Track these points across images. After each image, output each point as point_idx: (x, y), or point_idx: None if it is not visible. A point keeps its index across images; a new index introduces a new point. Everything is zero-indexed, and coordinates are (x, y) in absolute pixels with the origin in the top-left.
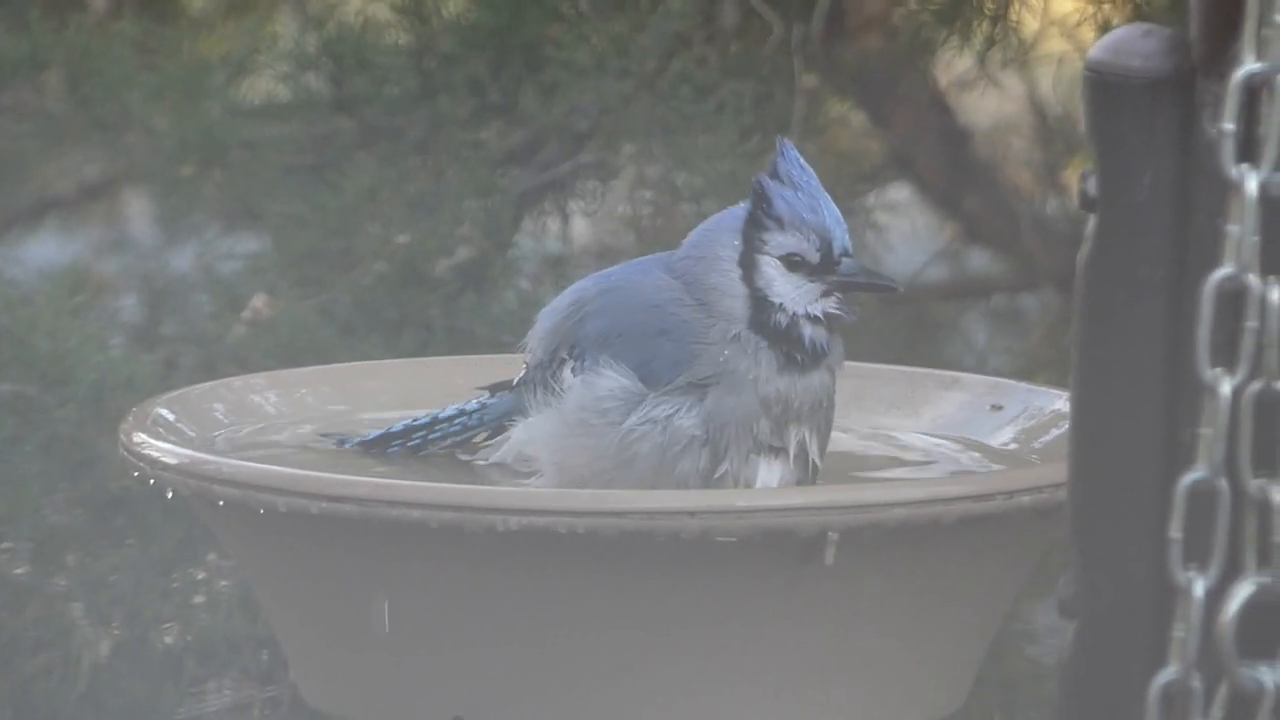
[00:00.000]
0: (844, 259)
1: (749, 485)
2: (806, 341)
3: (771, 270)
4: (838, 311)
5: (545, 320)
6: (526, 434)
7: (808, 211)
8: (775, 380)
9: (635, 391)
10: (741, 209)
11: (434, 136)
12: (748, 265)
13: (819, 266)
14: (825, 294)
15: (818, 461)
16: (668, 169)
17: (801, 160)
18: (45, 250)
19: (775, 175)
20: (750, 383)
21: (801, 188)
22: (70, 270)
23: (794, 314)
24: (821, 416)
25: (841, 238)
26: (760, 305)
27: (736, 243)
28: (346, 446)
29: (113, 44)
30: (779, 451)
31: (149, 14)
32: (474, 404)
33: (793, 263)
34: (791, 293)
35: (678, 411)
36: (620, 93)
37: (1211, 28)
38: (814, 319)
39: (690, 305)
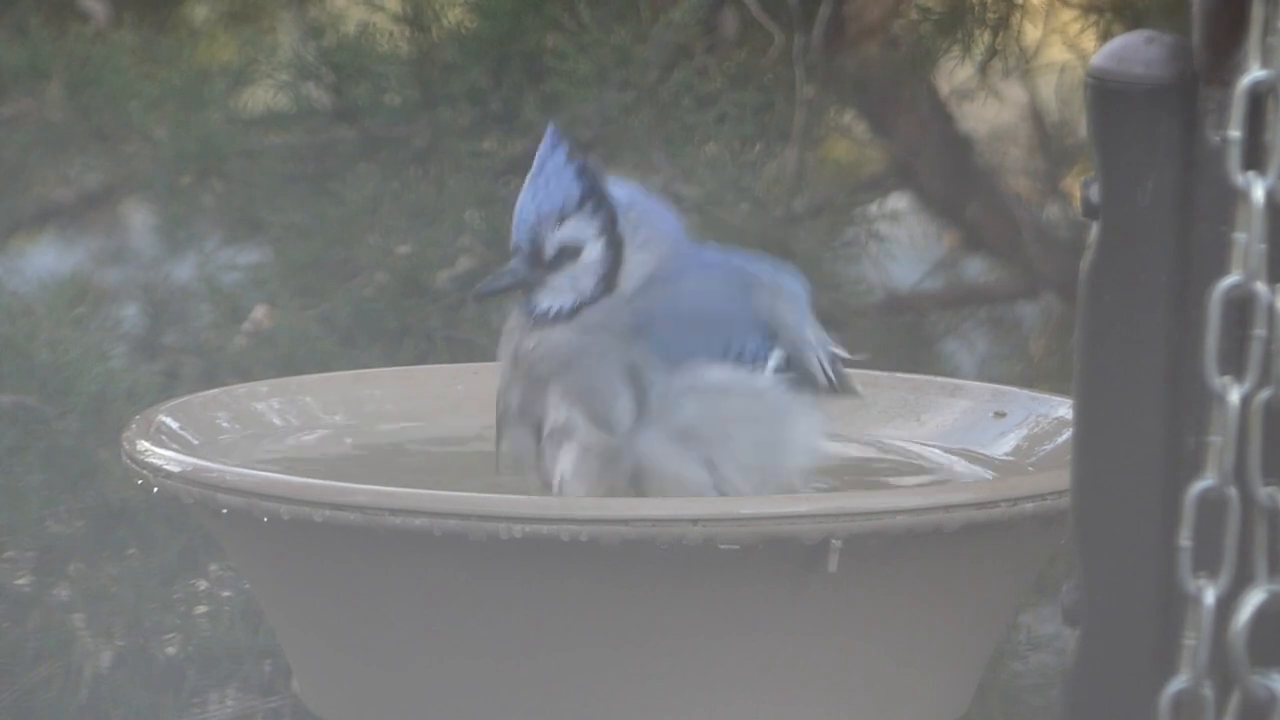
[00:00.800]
0: (515, 253)
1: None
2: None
3: None
4: (504, 280)
5: None
6: None
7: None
8: (526, 337)
9: None
10: None
11: (435, 146)
12: None
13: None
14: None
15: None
16: (670, 179)
17: (557, 141)
18: (45, 260)
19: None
20: (511, 345)
21: (533, 172)
22: (71, 280)
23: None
24: (578, 376)
25: (515, 231)
26: None
27: None
28: None
29: (113, 53)
30: (553, 432)
31: (149, 23)
32: None
33: None
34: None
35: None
36: (622, 103)
37: (1214, 35)
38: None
39: None
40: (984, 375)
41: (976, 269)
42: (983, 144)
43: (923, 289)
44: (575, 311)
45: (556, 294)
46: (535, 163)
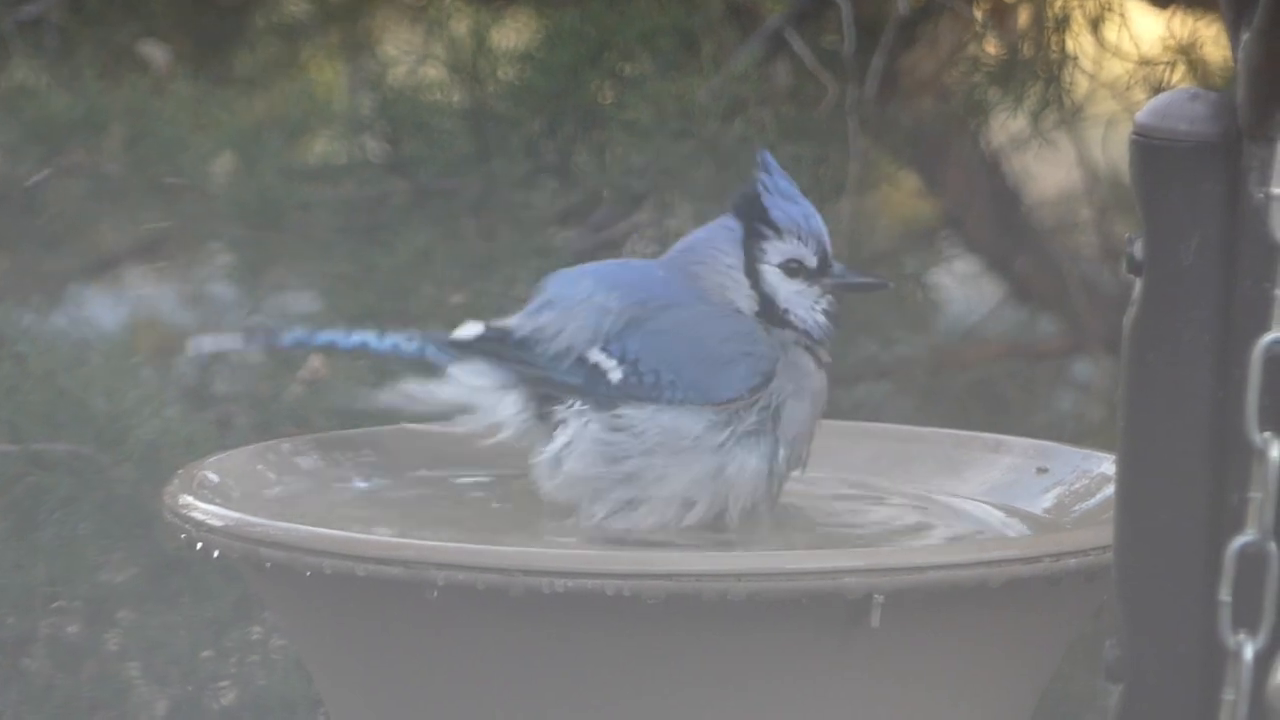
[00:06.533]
0: (835, 262)
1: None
2: (817, 336)
3: (773, 277)
4: (832, 312)
5: (581, 312)
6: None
7: (803, 219)
8: (815, 375)
9: (715, 414)
10: (730, 221)
11: (488, 197)
12: (751, 274)
13: (816, 271)
14: (822, 295)
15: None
16: None
17: (782, 169)
18: (101, 310)
19: (765, 187)
20: (808, 387)
21: (792, 197)
22: (126, 330)
23: (802, 317)
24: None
25: (829, 242)
26: (769, 311)
27: (740, 252)
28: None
29: (169, 105)
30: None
31: (205, 75)
32: (414, 343)
33: (791, 269)
34: (795, 297)
35: (761, 425)
36: (677, 153)
37: (1258, 92)
38: (817, 321)
39: (748, 318)
40: (1032, 429)
41: (1026, 323)
42: (1033, 198)
43: (971, 342)
44: None
45: None
46: (785, 187)
